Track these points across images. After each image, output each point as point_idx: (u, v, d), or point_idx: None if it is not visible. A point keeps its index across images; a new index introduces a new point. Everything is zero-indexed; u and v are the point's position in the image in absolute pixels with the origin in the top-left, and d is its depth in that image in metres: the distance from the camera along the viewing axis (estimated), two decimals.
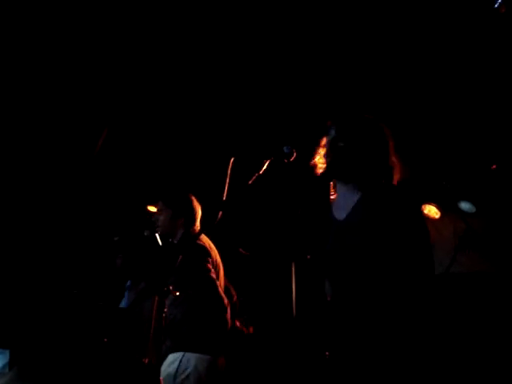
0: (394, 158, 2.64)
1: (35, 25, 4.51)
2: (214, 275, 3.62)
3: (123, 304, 5.40)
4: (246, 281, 3.83)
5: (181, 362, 3.44)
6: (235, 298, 4.00)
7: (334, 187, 2.76)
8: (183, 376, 3.43)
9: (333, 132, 2.68)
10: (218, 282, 3.64)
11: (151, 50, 4.86)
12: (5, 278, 5.93)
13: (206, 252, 3.68)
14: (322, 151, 2.71)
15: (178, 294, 3.55)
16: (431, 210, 6.36)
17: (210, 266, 3.64)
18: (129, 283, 5.49)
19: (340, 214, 2.65)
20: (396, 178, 2.63)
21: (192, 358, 3.46)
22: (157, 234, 4.80)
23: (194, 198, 4.00)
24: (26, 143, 5.75)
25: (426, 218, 6.36)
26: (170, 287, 3.59)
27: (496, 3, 3.53)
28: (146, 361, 3.80)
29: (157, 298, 3.80)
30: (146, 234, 5.02)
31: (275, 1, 4.27)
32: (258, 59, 4.90)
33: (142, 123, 5.86)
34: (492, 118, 5.40)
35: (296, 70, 4.99)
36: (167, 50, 4.86)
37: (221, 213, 3.08)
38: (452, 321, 5.64)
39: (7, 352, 5.40)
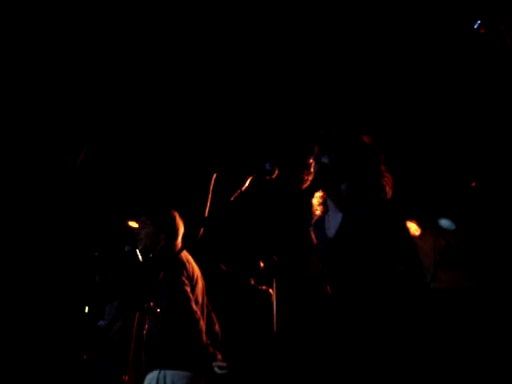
0: (386, 174, 2.66)
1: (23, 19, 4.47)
2: (187, 288, 3.59)
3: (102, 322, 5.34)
4: (227, 297, 3.80)
5: (158, 380, 3.39)
6: (217, 326, 3.96)
7: (321, 204, 2.77)
8: None
9: (320, 148, 2.69)
10: (192, 296, 3.60)
11: (130, 66, 4.85)
12: None
13: (182, 264, 3.65)
14: (309, 166, 2.72)
15: (158, 311, 3.53)
16: (411, 227, 6.37)
17: (183, 278, 3.60)
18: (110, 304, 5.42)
19: (331, 231, 2.66)
20: (388, 193, 2.64)
21: (168, 376, 3.41)
22: (137, 250, 4.77)
23: (177, 215, 3.99)
24: (5, 157, 5.70)
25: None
26: (151, 304, 3.58)
27: (475, 24, 3.58)
28: (126, 378, 3.76)
29: (137, 315, 3.77)
30: (126, 249, 4.99)
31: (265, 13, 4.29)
32: (242, 76, 4.92)
33: (124, 139, 5.83)
34: (471, 137, 5.46)
35: (278, 87, 5.02)
36: (146, 67, 4.85)
37: (202, 229, 3.07)
38: (432, 336, 5.65)
39: None
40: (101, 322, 5.18)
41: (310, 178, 2.67)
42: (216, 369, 3.66)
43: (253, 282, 3.59)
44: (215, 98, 5.23)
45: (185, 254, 3.77)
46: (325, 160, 2.64)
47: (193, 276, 3.69)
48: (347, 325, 2.47)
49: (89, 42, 4.72)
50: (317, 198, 2.80)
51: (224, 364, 3.86)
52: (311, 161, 2.71)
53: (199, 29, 4.54)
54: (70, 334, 5.33)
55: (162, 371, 3.42)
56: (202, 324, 3.56)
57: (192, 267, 3.74)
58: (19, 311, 5.79)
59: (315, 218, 2.82)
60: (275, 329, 3.85)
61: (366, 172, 2.61)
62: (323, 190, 2.71)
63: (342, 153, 2.63)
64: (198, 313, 3.56)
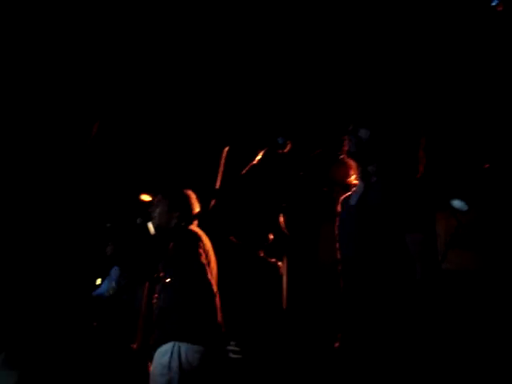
0: (421, 154, 2.65)
1: (24, 16, 4.49)
2: (204, 260, 3.62)
3: (100, 291, 5.40)
4: (237, 269, 3.83)
5: (172, 352, 3.41)
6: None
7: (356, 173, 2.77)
8: (176, 367, 3.38)
9: (357, 122, 2.70)
10: (208, 269, 3.64)
11: (141, 41, 4.85)
12: None
13: (197, 237, 3.68)
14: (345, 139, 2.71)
15: (168, 280, 3.55)
16: None
17: (201, 250, 3.63)
18: (113, 271, 5.48)
19: (354, 198, 2.67)
20: (420, 172, 2.64)
21: (183, 348, 3.41)
22: (149, 223, 4.80)
23: (193, 196, 4.00)
24: (19, 134, 5.74)
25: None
26: (161, 274, 3.60)
27: (493, 1, 3.53)
28: (135, 346, 3.81)
29: (147, 285, 3.81)
30: (138, 221, 5.03)
31: None
32: (254, 50, 4.90)
33: (137, 111, 5.84)
34: (486, 117, 5.42)
35: (292, 62, 4.99)
36: (158, 40, 4.84)
37: (214, 201, 3.09)
38: (441, 318, 5.66)
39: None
40: (98, 292, 5.24)
41: (346, 150, 2.68)
42: (231, 354, 3.69)
43: (262, 255, 3.60)
44: (229, 73, 5.21)
45: (198, 229, 3.79)
46: (362, 133, 2.64)
47: (207, 253, 3.72)
48: (358, 301, 2.48)
49: (98, 26, 4.72)
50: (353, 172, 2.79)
51: (238, 349, 3.90)
52: (348, 133, 2.71)
53: (213, 10, 4.52)
54: (80, 304, 5.39)
55: (177, 344, 3.42)
56: (218, 300, 3.58)
57: (206, 242, 3.77)
58: (30, 280, 5.87)
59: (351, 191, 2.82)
60: (284, 305, 3.87)
61: (400, 152, 2.61)
62: (357, 163, 2.70)
63: (379, 129, 2.63)
64: (215, 287, 3.58)
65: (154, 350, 3.53)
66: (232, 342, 3.87)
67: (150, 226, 4.88)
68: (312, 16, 4.52)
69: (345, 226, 2.67)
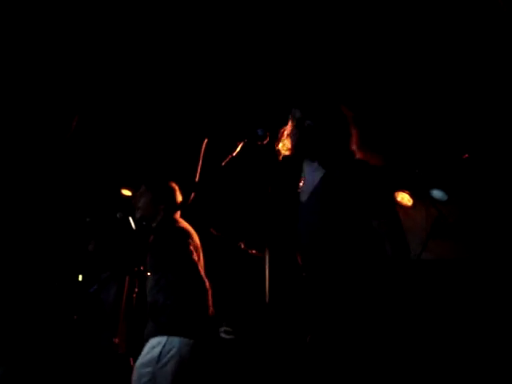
0: (354, 146, 2.68)
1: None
2: (195, 257, 3.62)
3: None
4: (218, 261, 3.83)
5: (164, 345, 3.41)
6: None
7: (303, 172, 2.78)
8: (165, 359, 3.39)
9: (298, 113, 2.71)
10: (199, 265, 3.64)
11: (121, 33, 4.82)
12: None
13: (187, 234, 3.68)
14: (286, 135, 2.74)
15: (149, 274, 3.56)
16: (404, 198, 6.41)
17: (191, 247, 3.64)
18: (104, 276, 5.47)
19: (304, 195, 2.68)
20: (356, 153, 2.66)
21: (175, 342, 3.43)
22: (130, 217, 4.78)
23: (177, 187, 4.00)
24: None
25: (399, 206, 6.42)
26: (141, 267, 3.60)
27: None
28: (117, 340, 3.80)
29: (127, 279, 3.80)
30: (118, 216, 5.01)
31: None
32: (231, 43, 4.89)
33: (116, 105, 5.81)
34: (464, 107, 5.45)
35: (271, 54, 4.99)
36: (139, 32, 4.82)
37: (193, 194, 3.08)
38: (422, 307, 5.71)
39: None
40: (92, 289, 5.23)
41: (292, 141, 2.69)
42: (222, 334, 3.69)
43: (243, 247, 3.62)
44: (208, 65, 5.20)
45: (187, 225, 3.79)
46: (309, 123, 2.65)
47: (196, 247, 3.73)
48: (327, 288, 2.48)
49: (79, 19, 4.69)
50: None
51: (230, 329, 3.90)
52: (289, 124, 2.72)
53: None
54: (62, 299, 5.37)
55: (170, 338, 3.43)
56: (210, 295, 3.60)
57: (195, 237, 3.78)
58: (10, 276, 5.83)
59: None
60: (267, 299, 3.87)
61: (341, 138, 2.63)
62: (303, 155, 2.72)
63: (323, 118, 2.64)
64: (207, 282, 3.59)
65: (144, 343, 3.54)
66: (224, 324, 3.88)
67: (131, 220, 4.86)
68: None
69: (303, 215, 2.67)
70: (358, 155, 2.64)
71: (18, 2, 4.50)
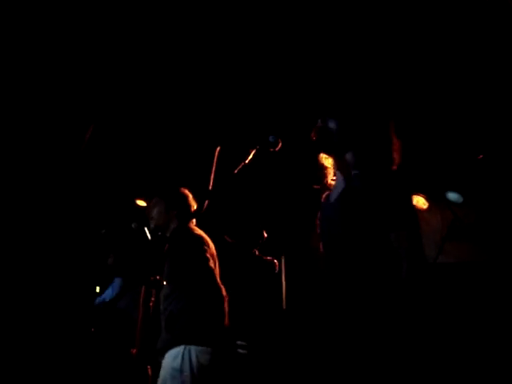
0: (394, 140, 2.61)
1: (20, 17, 4.48)
2: (212, 265, 3.63)
3: (102, 299, 5.40)
4: (233, 270, 3.84)
5: (183, 355, 3.40)
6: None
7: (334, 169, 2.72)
8: (187, 369, 3.38)
9: (321, 120, 2.65)
10: (215, 272, 3.64)
11: (134, 43, 4.85)
12: None
13: (203, 242, 3.69)
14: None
15: (165, 283, 3.56)
16: (419, 201, 6.38)
17: (207, 255, 3.64)
18: (117, 280, 5.48)
19: (334, 194, 2.63)
20: (396, 160, 2.60)
21: (193, 351, 3.42)
22: (145, 228, 4.80)
23: (189, 194, 3.99)
24: (13, 139, 5.73)
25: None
26: (157, 277, 3.61)
27: None
28: (134, 351, 3.80)
29: (143, 288, 3.80)
30: (133, 226, 5.02)
31: None
32: (243, 49, 4.90)
33: (129, 116, 5.84)
34: (479, 109, 5.42)
35: (281, 60, 4.99)
36: (151, 41, 4.84)
37: (207, 201, 3.09)
38: (439, 311, 5.66)
39: None
40: (109, 299, 5.24)
41: (314, 142, 2.63)
42: (239, 349, 3.68)
43: (257, 253, 3.61)
44: (219, 73, 5.21)
45: (202, 232, 3.79)
46: (331, 125, 2.61)
47: (212, 254, 3.73)
48: (343, 300, 2.45)
49: (93, 29, 4.72)
50: (328, 165, 2.75)
51: (245, 343, 3.90)
52: (318, 126, 2.66)
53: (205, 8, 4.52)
54: (79, 311, 5.39)
55: (187, 347, 3.43)
56: (227, 303, 3.60)
57: (212, 245, 3.78)
58: (29, 286, 5.87)
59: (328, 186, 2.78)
60: (284, 305, 3.87)
61: (373, 139, 2.56)
62: (328, 155, 2.66)
63: (348, 118, 2.58)
64: (224, 290, 3.60)
65: (162, 354, 3.53)
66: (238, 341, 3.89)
67: (146, 230, 4.88)
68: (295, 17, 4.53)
69: (328, 224, 2.62)
70: (396, 165, 2.59)
71: (40, 15, 4.53)
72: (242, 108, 5.51)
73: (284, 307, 3.99)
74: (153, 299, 3.67)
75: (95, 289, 5.85)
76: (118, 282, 5.44)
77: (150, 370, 3.81)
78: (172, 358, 3.45)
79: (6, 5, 4.41)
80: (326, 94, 4.89)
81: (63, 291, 6.04)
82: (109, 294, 5.39)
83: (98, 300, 5.43)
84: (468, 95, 5.31)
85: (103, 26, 4.68)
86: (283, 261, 3.99)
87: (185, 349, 3.42)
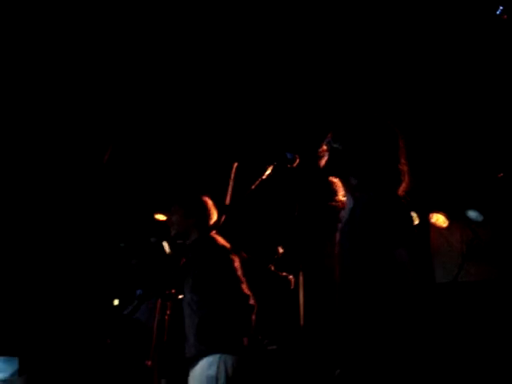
0: (402, 161, 2.56)
1: (43, 33, 4.58)
2: (240, 274, 3.70)
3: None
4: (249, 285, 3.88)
5: (219, 364, 3.46)
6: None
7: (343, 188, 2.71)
8: (223, 378, 3.45)
9: (333, 133, 2.65)
10: (243, 282, 3.70)
11: (153, 59, 4.91)
12: (12, 287, 6.00)
13: (229, 251, 3.74)
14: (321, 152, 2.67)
15: (189, 293, 3.62)
16: (439, 219, 6.34)
17: (236, 264, 3.71)
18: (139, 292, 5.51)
19: (346, 213, 2.63)
20: (404, 183, 2.57)
21: (229, 360, 3.49)
22: (164, 242, 4.84)
23: (209, 201, 4.01)
24: (33, 154, 5.82)
25: (434, 227, 6.35)
26: (173, 291, 3.64)
27: (498, 10, 3.54)
28: (149, 363, 3.82)
29: (159, 301, 3.83)
30: (152, 240, 5.07)
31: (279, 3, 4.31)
32: (261, 66, 4.94)
33: (150, 131, 5.90)
34: (499, 127, 5.39)
35: (298, 75, 5.02)
36: (168, 59, 4.90)
37: (224, 216, 3.11)
38: (459, 329, 5.61)
39: (16, 360, 5.46)
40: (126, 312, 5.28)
41: (321, 164, 2.62)
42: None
43: (273, 269, 3.63)
44: (237, 89, 5.25)
45: (227, 244, 3.83)
46: (336, 146, 2.60)
47: (238, 264, 3.80)
48: (353, 315, 2.44)
49: (113, 47, 4.79)
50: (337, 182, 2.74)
51: (274, 347, 3.92)
52: (324, 147, 2.65)
53: (221, 25, 4.57)
54: (95, 322, 5.44)
55: (223, 355, 3.49)
56: (255, 310, 3.68)
57: (236, 257, 3.83)
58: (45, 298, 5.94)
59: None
60: (302, 321, 3.86)
61: (379, 160, 2.55)
62: (336, 177, 2.66)
63: (354, 139, 2.55)
64: (252, 299, 3.67)
65: (192, 362, 3.59)
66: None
67: (165, 244, 4.92)
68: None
69: (341, 241, 2.62)
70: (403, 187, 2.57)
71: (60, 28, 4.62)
72: (260, 125, 5.55)
73: (302, 323, 3.98)
74: (168, 312, 3.70)
75: (113, 301, 5.89)
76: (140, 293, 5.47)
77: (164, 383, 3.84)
78: (207, 366, 3.49)
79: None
80: (337, 112, 4.92)
81: (81, 303, 6.09)
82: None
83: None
84: (489, 114, 5.29)
85: (123, 43, 4.75)
86: (301, 277, 3.98)
87: (220, 357, 3.48)
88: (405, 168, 2.57)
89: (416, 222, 6.10)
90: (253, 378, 3.66)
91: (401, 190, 2.54)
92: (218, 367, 3.45)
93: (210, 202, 3.99)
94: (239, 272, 3.71)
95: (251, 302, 3.66)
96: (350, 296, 2.46)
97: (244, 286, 3.68)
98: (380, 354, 2.28)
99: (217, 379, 3.44)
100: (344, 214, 2.62)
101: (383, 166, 2.52)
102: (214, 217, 3.96)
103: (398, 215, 2.39)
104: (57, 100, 5.37)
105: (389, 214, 2.37)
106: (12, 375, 5.43)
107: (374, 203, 2.40)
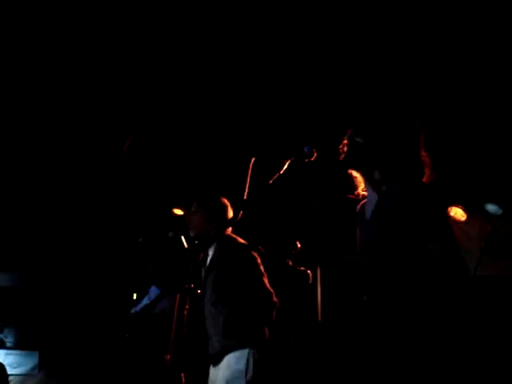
0: (423, 153, 2.56)
1: (62, 29, 4.60)
2: (263, 270, 3.76)
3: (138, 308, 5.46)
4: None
5: (248, 358, 3.53)
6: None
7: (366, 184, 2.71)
8: (251, 371, 3.52)
9: (354, 127, 2.64)
10: (266, 278, 3.77)
11: (174, 54, 4.92)
12: (32, 283, 6.06)
13: (248, 247, 3.80)
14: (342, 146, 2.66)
15: (212, 289, 3.66)
16: (457, 213, 6.30)
17: (259, 260, 3.77)
18: (152, 290, 5.54)
19: (368, 209, 2.63)
20: (427, 175, 2.56)
21: (257, 355, 3.56)
22: (182, 237, 4.85)
23: (228, 203, 4.04)
24: (52, 147, 5.85)
25: (452, 221, 6.31)
26: (192, 285, 3.67)
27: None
28: (168, 357, 3.85)
29: (178, 296, 3.86)
30: (170, 235, 5.08)
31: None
32: (280, 60, 4.93)
33: (167, 125, 5.92)
34: None
35: (317, 69, 5.01)
36: (188, 53, 4.91)
37: (241, 212, 3.11)
38: (477, 323, 5.57)
39: (36, 354, 5.52)
40: (145, 306, 5.31)
41: (341, 158, 2.61)
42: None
43: (291, 264, 3.64)
44: (255, 84, 5.25)
45: (244, 241, 3.86)
46: (359, 140, 2.60)
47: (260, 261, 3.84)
48: (384, 311, 2.44)
49: (134, 41, 4.81)
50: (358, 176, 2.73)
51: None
52: (345, 141, 2.65)
53: (234, 18, 4.57)
54: (115, 317, 5.47)
55: (251, 350, 3.56)
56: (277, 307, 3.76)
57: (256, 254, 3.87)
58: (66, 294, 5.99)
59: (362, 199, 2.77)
60: (320, 317, 3.87)
61: (401, 154, 2.54)
62: (357, 171, 2.65)
63: (376, 133, 2.56)
64: (274, 296, 3.74)
65: (218, 357, 3.65)
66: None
67: (183, 239, 4.93)
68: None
69: (365, 237, 2.62)
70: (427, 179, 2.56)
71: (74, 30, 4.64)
72: (278, 119, 5.54)
73: (319, 319, 3.99)
74: (187, 307, 3.73)
75: (132, 296, 5.93)
76: (154, 290, 5.50)
77: (183, 377, 3.86)
78: (235, 361, 3.56)
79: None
80: (352, 106, 4.91)
81: (100, 297, 6.13)
82: (144, 303, 5.46)
83: (133, 310, 5.50)
84: (508, 108, 5.24)
85: (141, 40, 4.77)
86: (319, 271, 3.98)
87: (249, 352, 3.55)
88: (427, 160, 2.57)
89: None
90: (275, 373, 3.71)
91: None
92: (247, 361, 3.52)
93: (228, 204, 4.04)
94: (262, 268, 3.77)
95: (274, 299, 3.72)
96: (379, 291, 2.46)
97: (267, 283, 3.75)
98: (413, 351, 2.28)
99: (246, 373, 3.51)
100: (365, 208, 2.63)
101: (406, 160, 2.53)
102: (230, 215, 4.00)
103: (433, 209, 2.39)
104: (78, 91, 5.40)
105: (423, 207, 2.37)
106: (32, 369, 5.49)
107: (406, 197, 2.41)
